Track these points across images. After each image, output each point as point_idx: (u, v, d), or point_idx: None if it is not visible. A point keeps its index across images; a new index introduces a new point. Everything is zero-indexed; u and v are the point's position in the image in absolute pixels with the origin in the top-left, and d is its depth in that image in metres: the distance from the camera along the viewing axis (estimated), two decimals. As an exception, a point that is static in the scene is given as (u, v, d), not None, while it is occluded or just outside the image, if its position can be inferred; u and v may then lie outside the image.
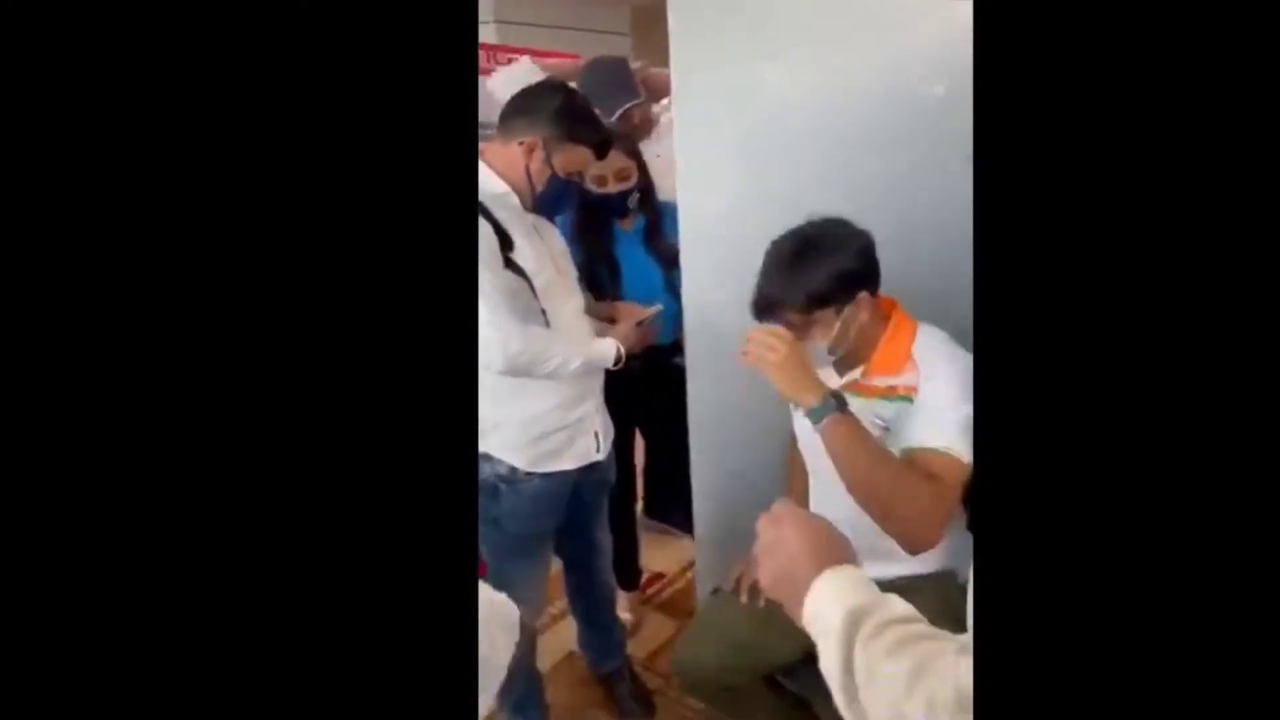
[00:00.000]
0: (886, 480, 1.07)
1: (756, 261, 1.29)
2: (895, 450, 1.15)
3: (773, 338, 1.10)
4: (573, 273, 1.55)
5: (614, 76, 2.08)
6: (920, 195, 1.40)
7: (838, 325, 1.16)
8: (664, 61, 1.83)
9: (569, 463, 1.49)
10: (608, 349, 1.45)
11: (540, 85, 1.44)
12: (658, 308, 1.56)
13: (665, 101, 2.02)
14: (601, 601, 1.82)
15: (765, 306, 1.19)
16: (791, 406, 1.39)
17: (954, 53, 1.43)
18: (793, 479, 1.47)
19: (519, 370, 1.33)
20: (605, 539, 1.77)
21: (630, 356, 1.49)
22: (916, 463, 1.11)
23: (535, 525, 1.50)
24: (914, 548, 1.09)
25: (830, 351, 1.18)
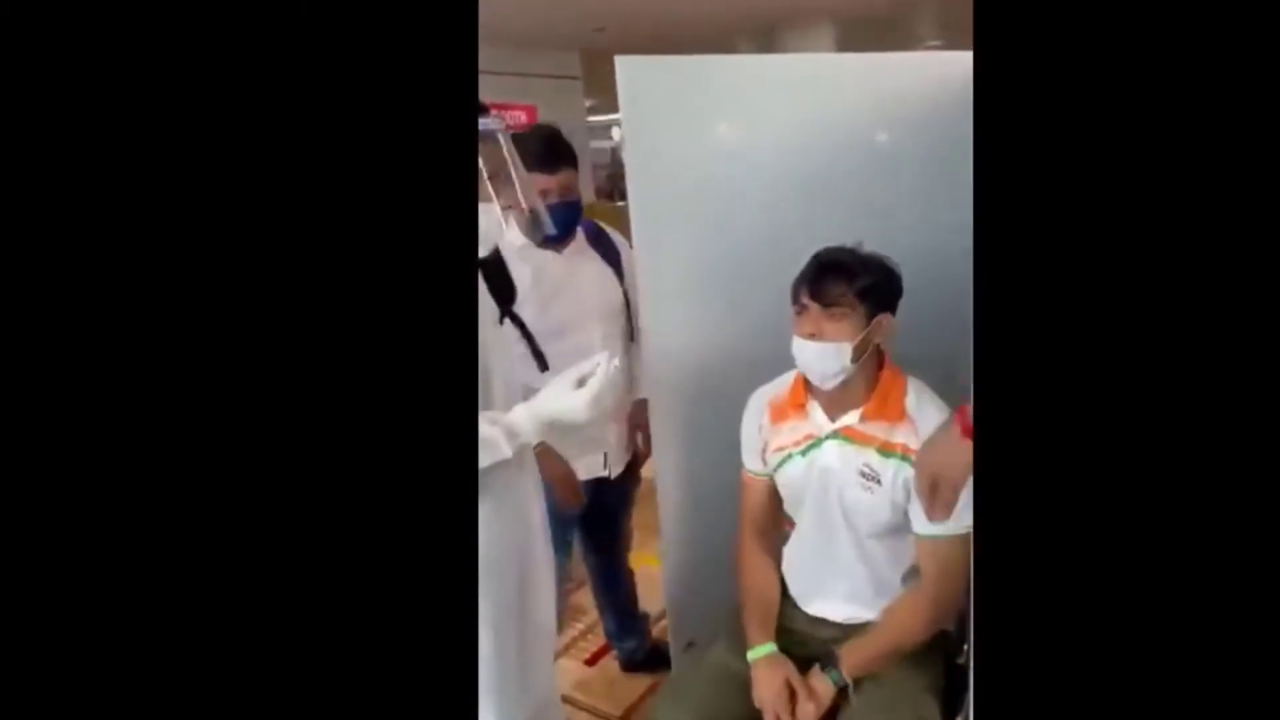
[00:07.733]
0: (924, 629, 1.28)
1: (717, 314, 1.26)
2: (892, 511, 1.25)
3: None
4: None
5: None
6: (871, 235, 1.43)
7: (865, 331, 1.23)
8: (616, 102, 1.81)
9: (581, 474, 1.64)
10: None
11: None
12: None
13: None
14: (625, 586, 2.00)
15: (824, 273, 1.24)
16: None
17: (892, 105, 1.50)
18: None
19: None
20: (628, 531, 1.96)
21: None
22: (933, 556, 1.25)
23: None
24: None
25: (853, 357, 1.23)
